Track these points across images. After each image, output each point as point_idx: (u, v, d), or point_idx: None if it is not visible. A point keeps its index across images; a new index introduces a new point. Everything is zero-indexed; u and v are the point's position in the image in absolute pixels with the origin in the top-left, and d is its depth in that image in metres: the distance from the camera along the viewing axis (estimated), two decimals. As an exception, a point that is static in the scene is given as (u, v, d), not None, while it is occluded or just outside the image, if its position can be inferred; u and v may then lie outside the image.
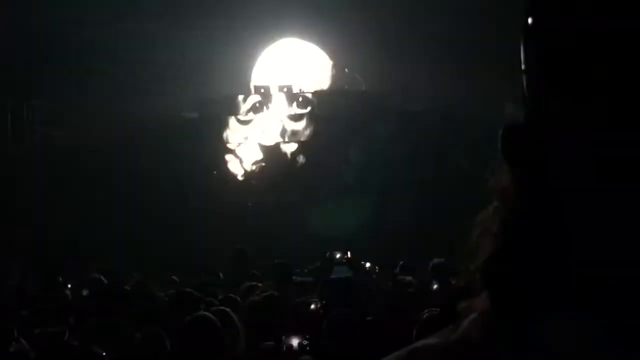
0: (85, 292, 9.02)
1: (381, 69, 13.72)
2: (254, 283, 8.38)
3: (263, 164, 14.09)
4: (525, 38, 0.92)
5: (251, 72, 14.08)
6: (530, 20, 0.90)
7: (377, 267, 11.67)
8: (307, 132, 14.06)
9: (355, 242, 11.34)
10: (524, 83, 0.94)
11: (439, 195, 13.69)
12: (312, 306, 7.64)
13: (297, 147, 14.07)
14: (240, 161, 14.06)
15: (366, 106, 13.76)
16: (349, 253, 10.65)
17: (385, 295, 8.18)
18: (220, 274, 10.62)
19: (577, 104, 0.86)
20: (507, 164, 0.96)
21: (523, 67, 0.94)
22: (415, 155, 14.50)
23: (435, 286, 8.30)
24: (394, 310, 7.14)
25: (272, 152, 14.05)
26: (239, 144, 14.01)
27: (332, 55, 13.85)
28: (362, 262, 11.41)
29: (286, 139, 13.96)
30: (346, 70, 13.91)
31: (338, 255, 10.61)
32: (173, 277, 10.49)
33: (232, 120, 14.18)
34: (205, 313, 5.60)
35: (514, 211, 0.95)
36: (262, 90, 13.88)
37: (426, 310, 5.78)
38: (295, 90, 13.87)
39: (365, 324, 6.26)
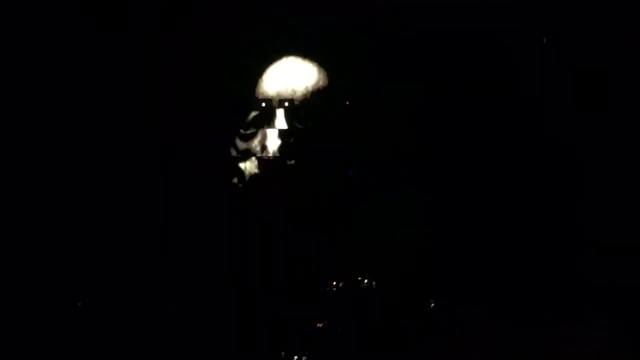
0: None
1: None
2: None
3: (263, 178, 14.28)
4: None
5: (254, 88, 14.36)
6: None
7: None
8: (306, 147, 14.26)
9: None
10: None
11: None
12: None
13: (296, 162, 14.27)
14: (241, 174, 14.29)
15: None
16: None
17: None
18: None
19: None
20: None
21: None
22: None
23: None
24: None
25: (271, 166, 14.24)
26: (240, 157, 14.24)
27: (334, 74, 14.13)
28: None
29: (285, 154, 14.16)
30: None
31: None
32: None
33: (233, 135, 14.40)
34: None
35: None
36: (263, 105, 14.14)
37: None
38: (295, 106, 14.07)
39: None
